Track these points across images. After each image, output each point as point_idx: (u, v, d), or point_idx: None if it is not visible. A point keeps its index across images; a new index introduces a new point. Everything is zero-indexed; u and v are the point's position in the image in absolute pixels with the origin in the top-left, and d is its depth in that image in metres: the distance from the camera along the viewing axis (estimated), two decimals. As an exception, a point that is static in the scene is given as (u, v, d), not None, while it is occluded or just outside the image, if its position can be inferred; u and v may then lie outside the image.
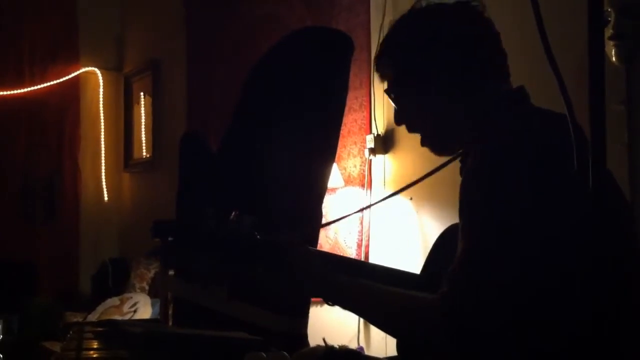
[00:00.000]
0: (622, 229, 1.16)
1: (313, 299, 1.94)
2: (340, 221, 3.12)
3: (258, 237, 1.25)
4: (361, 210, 1.85)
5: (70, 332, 1.54)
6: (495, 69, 1.29)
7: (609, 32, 1.89)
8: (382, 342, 2.84)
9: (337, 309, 1.27)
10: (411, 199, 2.81)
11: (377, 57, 1.38)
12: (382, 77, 1.38)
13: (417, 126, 1.35)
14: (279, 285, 1.27)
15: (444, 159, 1.40)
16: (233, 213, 1.25)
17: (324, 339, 1.19)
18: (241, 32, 4.10)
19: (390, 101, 1.37)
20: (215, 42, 4.39)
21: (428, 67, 1.28)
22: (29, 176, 5.27)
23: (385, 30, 3.29)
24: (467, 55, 1.26)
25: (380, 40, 1.40)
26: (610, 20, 1.87)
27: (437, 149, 1.35)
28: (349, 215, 1.61)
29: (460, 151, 1.32)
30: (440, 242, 1.38)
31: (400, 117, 1.36)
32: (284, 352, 1.17)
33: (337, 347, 1.14)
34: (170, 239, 1.37)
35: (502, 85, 1.29)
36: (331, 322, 2.82)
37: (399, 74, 1.33)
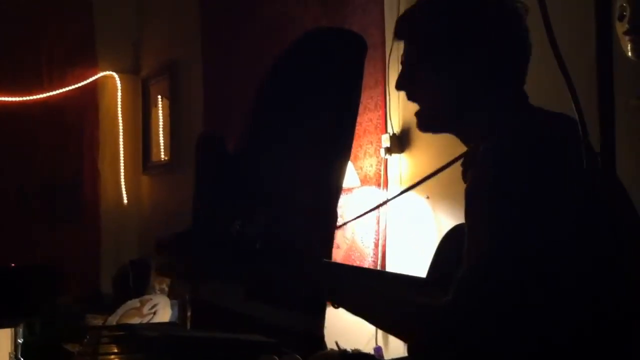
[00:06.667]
0: (630, 232, 1.15)
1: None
2: (357, 221, 3.11)
3: (258, 247, 1.25)
4: (377, 207, 1.84)
5: (87, 337, 1.55)
6: (519, 71, 1.27)
7: (624, 27, 1.85)
8: (400, 342, 2.82)
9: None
10: (427, 197, 2.79)
11: (406, 15, 1.31)
12: (403, 35, 1.31)
13: (418, 95, 1.31)
14: (292, 279, 1.26)
15: (457, 155, 1.38)
16: (236, 222, 1.24)
17: (336, 342, 1.19)
18: (257, 33, 4.11)
19: (402, 63, 1.31)
20: (231, 44, 4.40)
21: (463, 38, 1.22)
22: (51, 180, 5.32)
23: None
24: (500, 47, 1.23)
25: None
26: (625, 15, 1.84)
27: (426, 125, 1.32)
28: (365, 213, 1.60)
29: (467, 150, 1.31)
30: (445, 244, 1.36)
31: (404, 81, 1.31)
32: (297, 355, 1.17)
33: (350, 350, 1.14)
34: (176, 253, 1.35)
35: (516, 90, 1.27)
36: (348, 323, 2.80)
37: (429, 34, 1.26)
